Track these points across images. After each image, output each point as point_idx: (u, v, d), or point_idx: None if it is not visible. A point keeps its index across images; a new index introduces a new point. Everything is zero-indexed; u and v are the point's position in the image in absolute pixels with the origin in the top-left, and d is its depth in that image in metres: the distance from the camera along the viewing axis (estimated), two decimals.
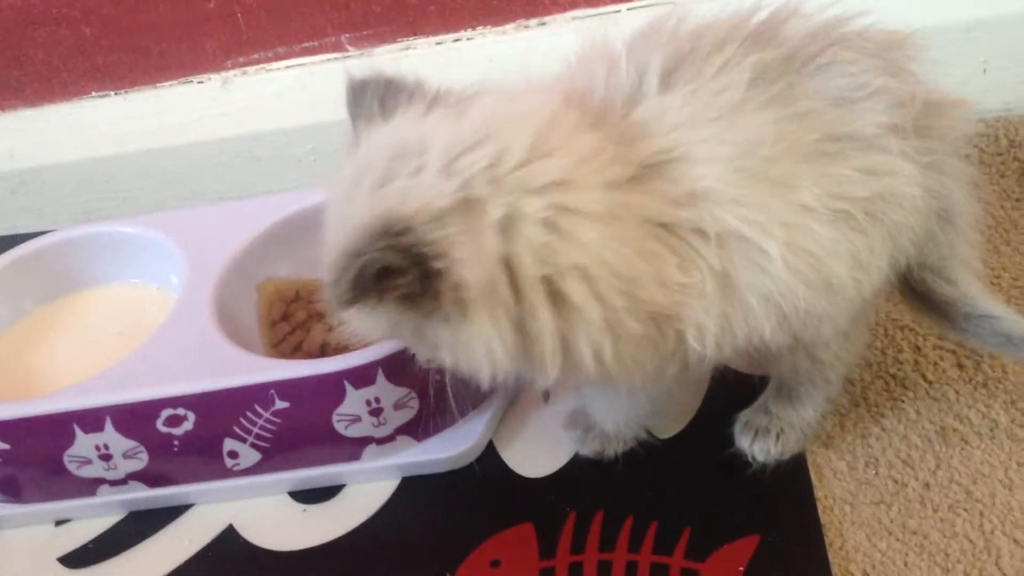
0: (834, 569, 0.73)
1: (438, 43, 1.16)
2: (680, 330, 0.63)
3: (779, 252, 0.61)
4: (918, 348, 0.87)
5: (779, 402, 0.80)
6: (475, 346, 0.60)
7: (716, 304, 0.62)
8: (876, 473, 0.79)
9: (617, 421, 0.82)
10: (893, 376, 0.85)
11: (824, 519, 0.77)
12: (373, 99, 0.65)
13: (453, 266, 0.57)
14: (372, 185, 0.59)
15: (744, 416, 0.82)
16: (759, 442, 0.80)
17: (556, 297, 0.59)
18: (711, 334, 0.63)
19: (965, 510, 0.76)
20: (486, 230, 0.57)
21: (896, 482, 0.78)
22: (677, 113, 0.62)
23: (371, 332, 0.65)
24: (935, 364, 0.85)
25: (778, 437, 0.80)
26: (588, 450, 0.84)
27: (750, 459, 0.80)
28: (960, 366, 0.85)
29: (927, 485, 0.78)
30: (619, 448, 0.83)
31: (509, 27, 1.14)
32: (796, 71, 0.63)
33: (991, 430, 0.80)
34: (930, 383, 0.84)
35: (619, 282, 0.59)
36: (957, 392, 0.83)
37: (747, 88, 0.62)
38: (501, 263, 0.58)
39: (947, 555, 0.73)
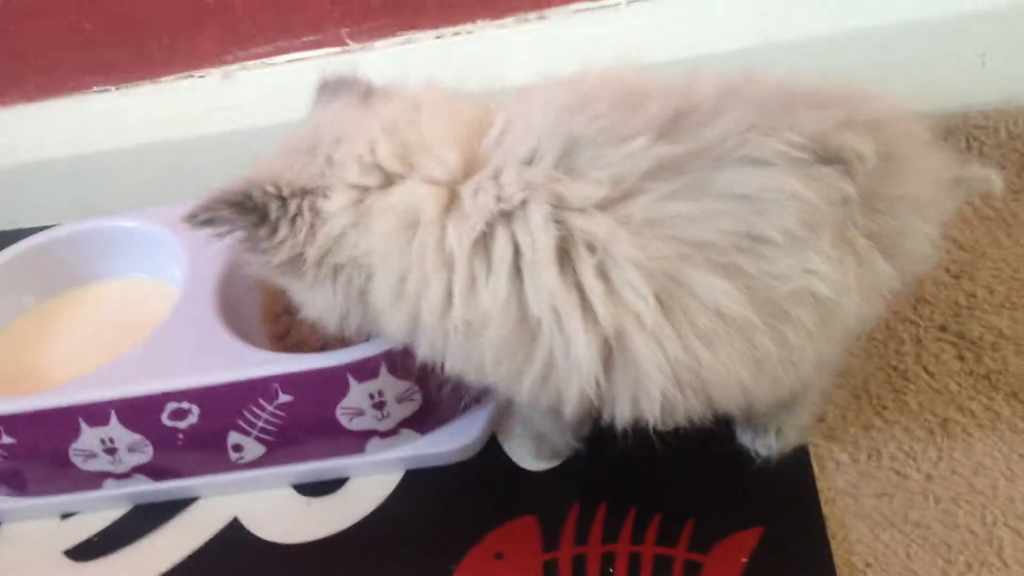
0: (836, 560, 0.74)
1: (438, 36, 1.16)
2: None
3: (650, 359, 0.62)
4: (919, 340, 0.87)
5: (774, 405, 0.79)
6: (315, 302, 0.71)
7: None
8: (878, 465, 0.80)
9: (549, 429, 0.83)
10: (895, 368, 0.85)
11: (826, 511, 0.77)
12: (330, 92, 0.74)
13: (288, 244, 0.67)
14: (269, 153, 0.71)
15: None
16: (759, 439, 0.81)
17: (339, 276, 0.68)
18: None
19: (967, 502, 0.76)
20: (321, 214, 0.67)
21: (898, 474, 0.79)
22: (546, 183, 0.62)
23: (253, 267, 0.73)
24: (937, 356, 0.86)
25: (777, 434, 0.80)
26: (542, 457, 0.85)
27: (752, 455, 0.81)
28: (961, 358, 0.85)
29: (929, 477, 0.78)
30: (566, 453, 0.85)
31: (509, 20, 1.14)
32: (712, 164, 0.60)
33: (993, 422, 0.81)
34: (932, 375, 0.85)
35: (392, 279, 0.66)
36: (959, 384, 0.84)
37: (642, 179, 0.61)
38: (322, 247, 0.67)
39: (949, 547, 0.74)
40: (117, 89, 1.22)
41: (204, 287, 0.90)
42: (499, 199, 0.62)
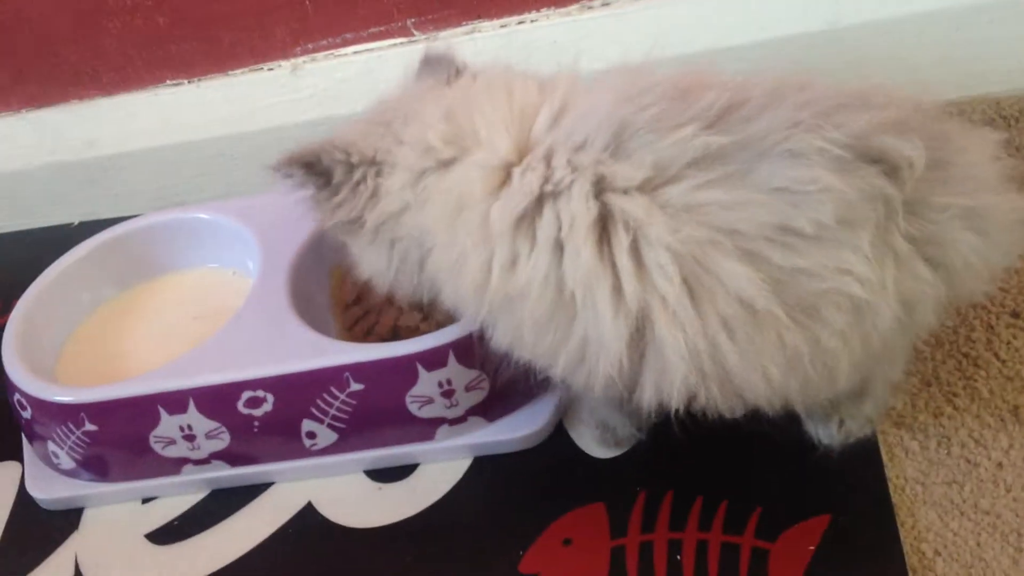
0: (906, 548, 0.74)
1: (502, 26, 1.16)
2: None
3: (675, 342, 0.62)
4: (991, 327, 0.86)
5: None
6: (367, 262, 0.75)
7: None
8: (948, 452, 0.79)
9: (611, 415, 0.84)
10: (965, 355, 0.85)
11: (895, 499, 0.77)
12: (430, 68, 0.78)
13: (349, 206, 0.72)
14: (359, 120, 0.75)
15: None
16: (823, 427, 0.81)
17: (396, 247, 0.72)
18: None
19: None
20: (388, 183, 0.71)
21: (968, 461, 0.78)
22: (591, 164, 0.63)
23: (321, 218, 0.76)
24: (1008, 343, 0.85)
25: (841, 424, 0.80)
26: (606, 445, 0.86)
27: (816, 442, 0.81)
28: None
29: (1000, 465, 0.77)
30: (631, 441, 0.85)
31: (573, 8, 1.14)
32: (754, 157, 0.61)
33: None
34: (1003, 362, 0.84)
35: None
36: None
37: (686, 167, 0.61)
38: (380, 216, 0.71)
39: (1020, 535, 0.73)
40: (190, 82, 1.24)
41: (277, 278, 0.92)
42: (546, 180, 0.64)
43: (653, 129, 0.63)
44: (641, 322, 0.63)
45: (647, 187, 0.62)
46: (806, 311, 0.61)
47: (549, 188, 0.64)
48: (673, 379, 0.64)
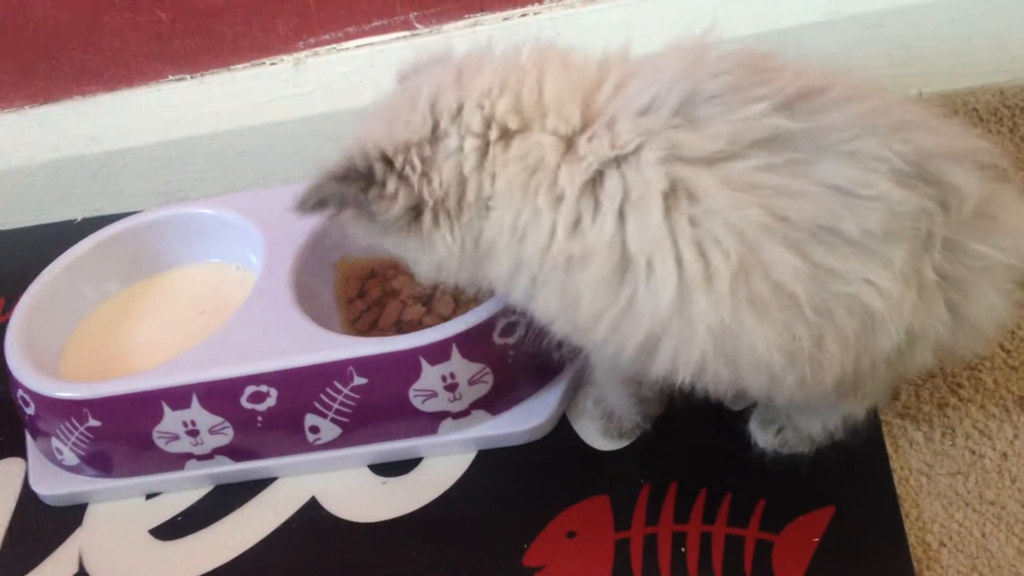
0: (911, 540, 0.74)
1: (505, 19, 1.16)
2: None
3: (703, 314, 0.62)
4: None
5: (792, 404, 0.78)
6: (434, 251, 0.71)
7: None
8: (953, 443, 0.79)
9: (619, 405, 0.84)
10: None
11: (900, 490, 0.77)
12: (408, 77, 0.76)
13: (401, 197, 0.68)
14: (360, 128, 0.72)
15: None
16: (760, 431, 0.81)
17: (460, 219, 0.69)
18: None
19: None
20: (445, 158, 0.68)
21: (973, 452, 0.78)
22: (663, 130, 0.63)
23: (366, 240, 0.74)
24: (1013, 333, 0.84)
25: (778, 432, 0.80)
26: (611, 435, 0.86)
27: (751, 441, 0.81)
28: None
29: (1005, 455, 0.77)
30: (635, 433, 0.85)
31: (575, 0, 1.14)
32: (818, 149, 0.61)
33: None
34: (1008, 352, 0.83)
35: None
36: None
37: (752, 145, 0.61)
38: (443, 187, 0.68)
39: None
40: (192, 77, 1.24)
41: (280, 272, 0.92)
42: (613, 145, 0.64)
43: (729, 99, 0.63)
44: (685, 291, 0.63)
45: (714, 159, 0.62)
46: (819, 309, 0.61)
47: (616, 153, 0.63)
48: (693, 351, 0.64)
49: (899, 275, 0.61)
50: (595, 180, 0.64)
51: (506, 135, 0.67)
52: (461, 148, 0.67)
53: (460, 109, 0.68)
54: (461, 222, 0.69)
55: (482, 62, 0.71)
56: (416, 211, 0.69)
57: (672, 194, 0.62)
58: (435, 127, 0.68)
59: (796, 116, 0.62)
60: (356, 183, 0.69)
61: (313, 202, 0.70)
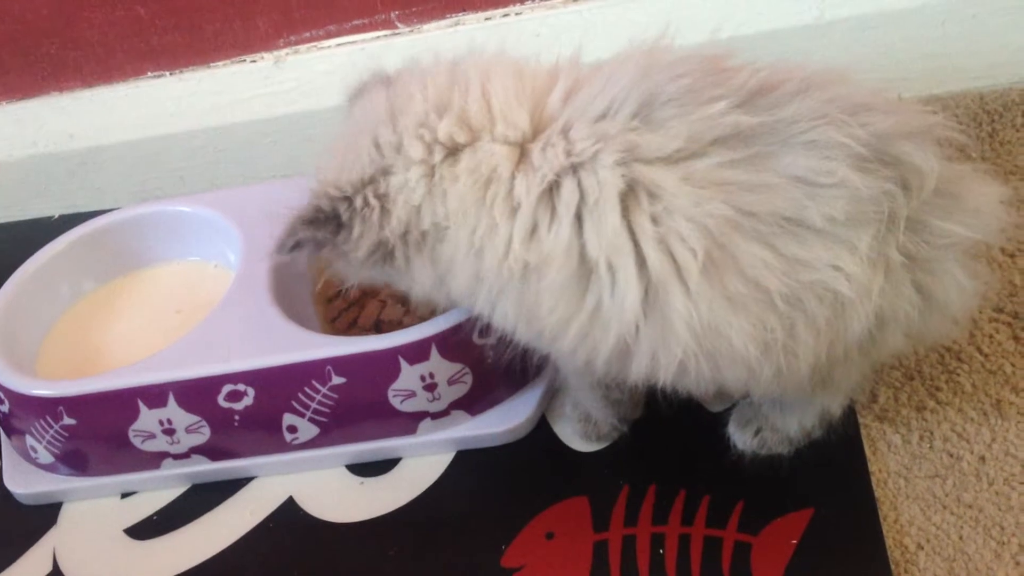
0: (888, 542, 0.74)
1: (487, 18, 1.16)
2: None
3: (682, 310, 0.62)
4: (973, 320, 0.86)
5: (769, 402, 0.79)
6: (414, 281, 0.71)
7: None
8: (931, 446, 0.79)
9: (594, 408, 0.83)
10: (948, 349, 0.85)
11: (878, 492, 0.77)
12: (357, 98, 0.76)
13: (368, 236, 0.69)
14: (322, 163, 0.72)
15: (741, 402, 0.82)
16: (739, 432, 0.81)
17: (424, 246, 0.69)
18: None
19: (1021, 483, 0.75)
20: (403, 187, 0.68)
21: (951, 455, 0.78)
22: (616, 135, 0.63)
23: (351, 274, 0.75)
24: (991, 336, 0.85)
25: (757, 433, 0.80)
26: (589, 439, 0.86)
27: (729, 444, 0.81)
28: (1016, 338, 0.84)
29: (982, 458, 0.77)
30: (612, 436, 0.85)
31: (557, 1, 1.14)
32: (779, 142, 0.62)
33: None
34: (986, 356, 0.84)
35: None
36: (1013, 365, 0.83)
37: (712, 143, 0.62)
38: (399, 223, 0.68)
39: (1002, 528, 0.73)
40: (172, 74, 1.23)
41: (259, 271, 0.91)
42: (569, 153, 0.64)
43: (686, 101, 0.63)
44: (655, 292, 0.63)
45: (674, 158, 0.62)
46: (790, 299, 0.61)
47: (572, 160, 0.63)
48: (673, 351, 0.64)
49: (865, 259, 0.61)
50: (551, 189, 0.64)
51: (453, 151, 0.67)
52: (407, 180, 0.68)
53: (400, 143, 0.68)
54: (425, 249, 0.69)
55: (410, 87, 0.70)
56: (385, 247, 0.70)
57: (630, 194, 0.62)
58: (382, 163, 0.68)
59: (755, 111, 0.62)
60: (325, 226, 0.69)
61: (290, 246, 0.71)
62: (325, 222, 0.69)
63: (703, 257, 0.61)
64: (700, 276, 0.61)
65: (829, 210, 0.60)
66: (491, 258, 0.66)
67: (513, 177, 0.65)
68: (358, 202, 0.69)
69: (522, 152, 0.65)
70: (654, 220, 0.62)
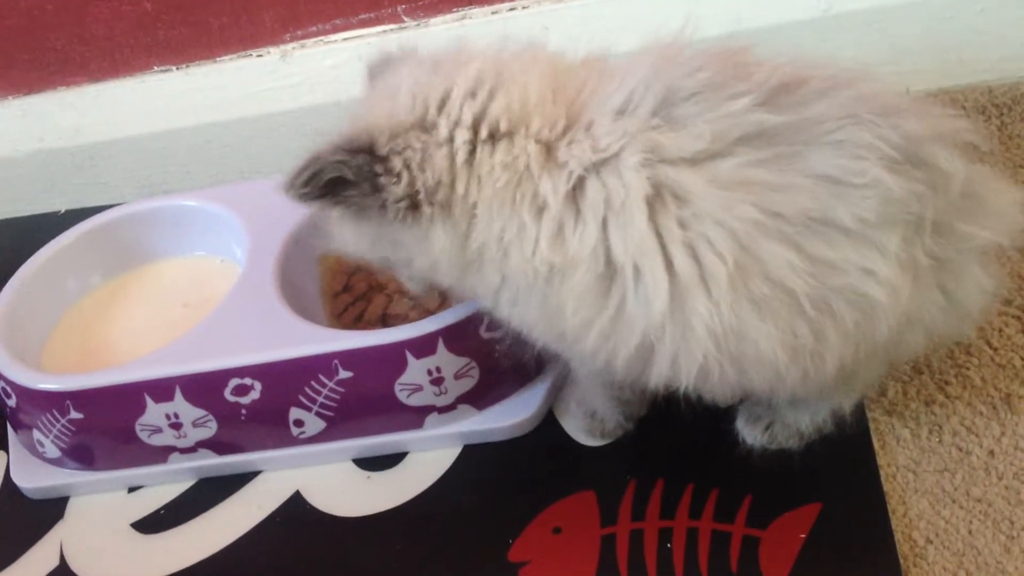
0: (897, 536, 0.73)
1: (494, 12, 1.16)
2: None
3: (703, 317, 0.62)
4: None
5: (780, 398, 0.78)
6: (430, 246, 0.67)
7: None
8: (940, 440, 0.79)
9: (601, 406, 0.83)
10: (957, 343, 0.84)
11: (887, 487, 0.76)
12: (379, 71, 0.72)
13: (404, 178, 0.64)
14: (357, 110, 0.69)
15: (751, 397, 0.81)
16: (749, 428, 0.81)
17: (449, 217, 0.66)
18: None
19: None
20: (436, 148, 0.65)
21: (960, 449, 0.78)
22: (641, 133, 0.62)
23: (355, 245, 0.71)
24: (1000, 330, 0.84)
25: (767, 428, 0.80)
26: (594, 435, 0.86)
27: (739, 440, 0.81)
28: None
29: (992, 452, 0.77)
30: (617, 433, 0.85)
31: None
32: (804, 141, 0.61)
33: None
34: (995, 349, 0.83)
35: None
36: (1023, 359, 0.82)
37: (736, 142, 0.61)
38: (436, 176, 0.65)
39: (1012, 523, 0.73)
40: (178, 69, 1.23)
41: (265, 265, 0.91)
42: (594, 150, 0.63)
43: (708, 96, 0.62)
44: (680, 296, 0.62)
45: (699, 159, 0.61)
46: (818, 303, 0.61)
47: (597, 157, 0.62)
48: (695, 355, 0.63)
49: (895, 261, 0.60)
50: (576, 188, 0.63)
51: (493, 137, 0.65)
52: (451, 139, 0.64)
53: (445, 100, 0.65)
54: (452, 218, 0.66)
55: (461, 56, 0.68)
56: (413, 200, 0.65)
57: (657, 198, 0.61)
58: (423, 116, 0.65)
59: (779, 110, 0.61)
60: (360, 155, 0.64)
61: (306, 177, 0.64)
62: (359, 151, 0.64)
63: (732, 262, 0.60)
64: (728, 281, 0.60)
65: (859, 211, 0.59)
66: (517, 259, 0.65)
67: (540, 176, 0.64)
68: (400, 142, 0.64)
69: (550, 150, 0.64)
70: (681, 224, 0.61)
